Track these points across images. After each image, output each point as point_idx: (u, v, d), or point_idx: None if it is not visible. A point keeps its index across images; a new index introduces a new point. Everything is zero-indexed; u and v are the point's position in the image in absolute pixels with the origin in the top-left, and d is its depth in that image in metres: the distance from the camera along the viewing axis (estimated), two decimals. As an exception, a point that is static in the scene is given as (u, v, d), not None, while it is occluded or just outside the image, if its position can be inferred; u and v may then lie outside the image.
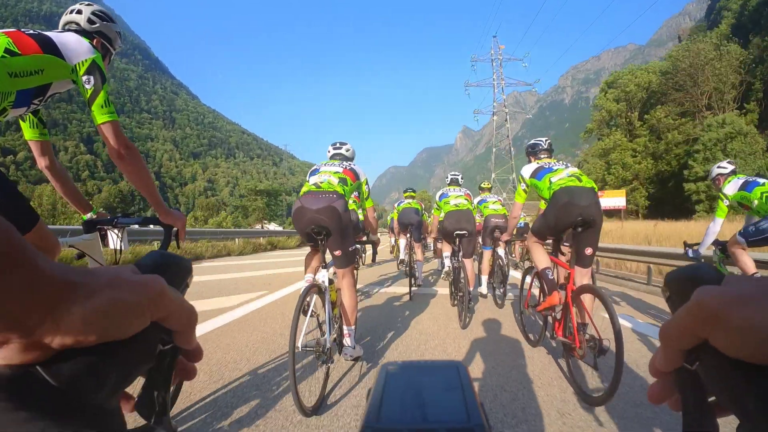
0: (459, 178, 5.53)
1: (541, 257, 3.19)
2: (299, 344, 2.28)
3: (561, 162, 3.18)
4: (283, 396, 2.40)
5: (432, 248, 11.46)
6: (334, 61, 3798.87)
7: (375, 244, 3.69)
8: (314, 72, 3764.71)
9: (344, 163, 3.10)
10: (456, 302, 4.55)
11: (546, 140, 3.47)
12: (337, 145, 3.31)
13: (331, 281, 2.72)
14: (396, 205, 7.28)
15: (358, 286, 6.25)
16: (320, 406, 2.33)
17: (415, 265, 5.97)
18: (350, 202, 6.10)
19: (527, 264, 9.26)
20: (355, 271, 3.15)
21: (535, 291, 3.40)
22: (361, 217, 6.17)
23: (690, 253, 4.13)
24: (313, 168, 3.09)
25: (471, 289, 4.34)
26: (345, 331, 2.78)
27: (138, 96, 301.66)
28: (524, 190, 3.35)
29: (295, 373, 2.11)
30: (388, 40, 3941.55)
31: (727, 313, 0.24)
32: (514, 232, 5.08)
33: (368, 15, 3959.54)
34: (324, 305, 2.57)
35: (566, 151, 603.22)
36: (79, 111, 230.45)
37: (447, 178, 5.64)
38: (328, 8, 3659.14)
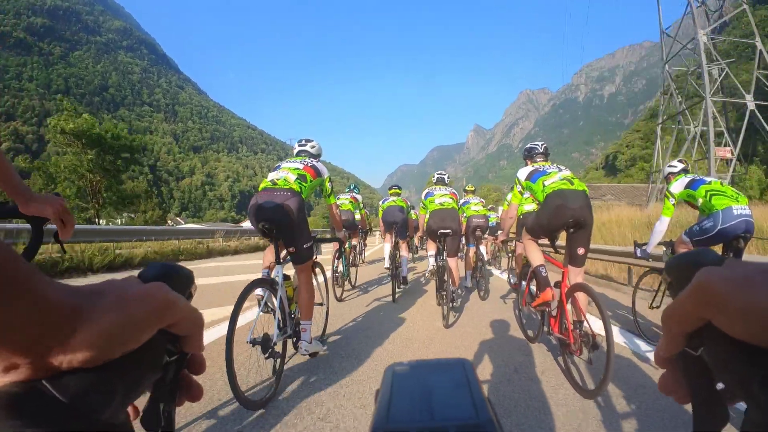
0: (445, 177, 5.48)
1: (535, 255, 3.29)
2: (248, 338, 2.35)
3: (555, 165, 3.30)
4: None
5: (417, 248, 11.29)
6: (346, 59, 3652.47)
7: (342, 242, 3.73)
8: (325, 69, 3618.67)
9: (307, 160, 3.12)
10: (441, 302, 4.59)
11: (542, 144, 3.60)
12: (303, 141, 3.34)
13: (286, 277, 2.74)
14: (381, 203, 6.99)
15: (349, 286, 6.37)
16: (269, 401, 2.30)
17: (401, 264, 5.89)
18: (346, 202, 6.59)
19: (504, 262, 10.00)
20: (326, 267, 3.28)
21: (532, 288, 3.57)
22: (357, 216, 6.85)
23: (639, 252, 4.03)
24: (276, 164, 3.10)
25: (455, 288, 4.39)
26: (302, 326, 2.79)
27: (140, 89, 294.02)
28: (520, 192, 3.50)
29: (233, 365, 2.09)
30: (400, 39, 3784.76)
31: (729, 294, 0.24)
32: (487, 232, 6.30)
33: (380, 14, 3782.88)
34: (276, 300, 2.60)
35: (580, 149, 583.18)
36: (76, 102, 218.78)
37: (433, 177, 5.60)
38: (339, 7, 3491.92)
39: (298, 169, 2.94)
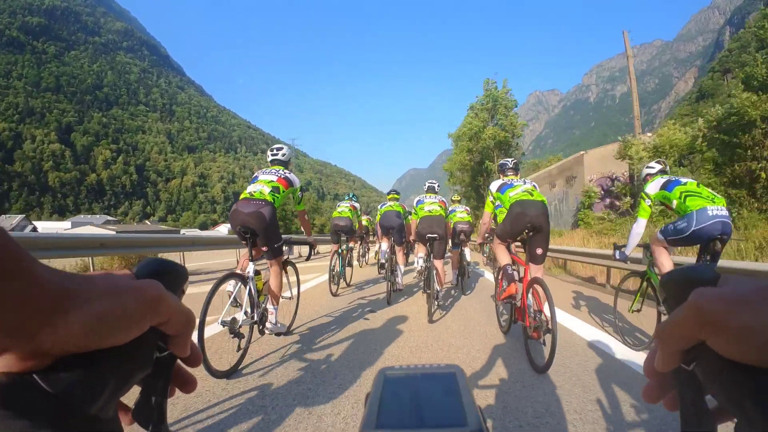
0: (435, 186, 5.94)
1: (503, 256, 3.70)
2: (219, 320, 2.76)
3: (521, 179, 3.81)
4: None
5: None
6: (353, 62, 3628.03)
7: (312, 245, 4.06)
8: (333, 72, 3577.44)
9: (280, 171, 3.52)
10: (427, 299, 4.91)
11: (512, 161, 4.07)
12: (274, 150, 3.73)
13: (257, 272, 3.17)
14: (379, 207, 7.21)
15: (344, 284, 6.97)
16: (233, 373, 2.69)
17: (396, 269, 5.99)
18: (345, 209, 7.05)
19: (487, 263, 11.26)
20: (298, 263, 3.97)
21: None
22: (358, 224, 7.40)
23: (617, 255, 4.02)
24: (254, 176, 3.54)
25: (440, 288, 4.79)
26: (270, 309, 3.25)
27: (137, 89, 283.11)
28: (492, 201, 3.96)
29: (203, 339, 2.59)
30: (407, 42, 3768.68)
31: (724, 316, 0.23)
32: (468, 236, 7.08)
33: (388, 17, 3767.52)
34: (246, 291, 3.04)
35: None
36: (65, 101, 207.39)
37: (425, 185, 6.01)
38: (347, 11, 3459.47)
39: (272, 181, 3.36)
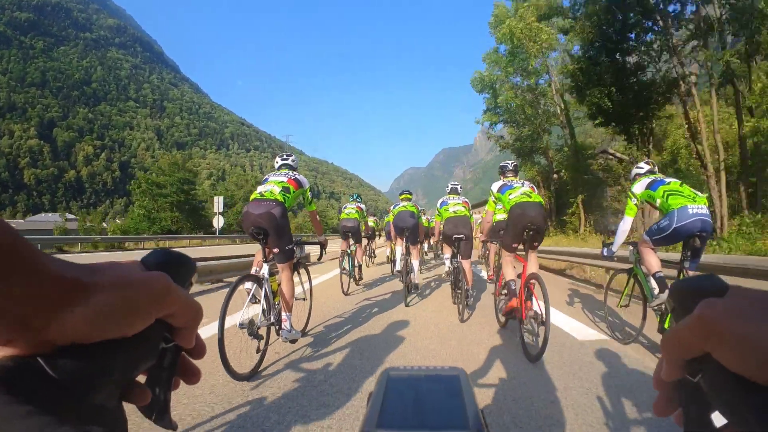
0: (458, 187, 6.03)
1: (509, 270, 3.95)
2: (237, 322, 2.79)
3: (520, 181, 3.99)
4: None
5: (434, 251, 13.18)
6: (350, 62, 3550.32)
7: (323, 245, 4.04)
8: (331, 69, 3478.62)
9: (290, 173, 3.61)
10: (456, 300, 5.10)
11: (512, 163, 4.32)
12: (284, 156, 3.85)
13: (272, 274, 3.22)
14: (392, 208, 7.39)
15: (354, 284, 7.27)
16: (253, 375, 2.72)
17: (411, 271, 5.94)
18: (352, 211, 7.29)
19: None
20: (306, 266, 4.03)
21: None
22: (368, 225, 8.04)
23: (605, 252, 4.08)
24: (264, 178, 3.64)
25: (469, 287, 4.82)
26: (283, 317, 3.23)
27: (127, 84, 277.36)
28: (494, 202, 4.19)
29: (224, 344, 2.54)
30: (403, 40, 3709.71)
31: (728, 328, 0.23)
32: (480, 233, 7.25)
33: (383, 15, 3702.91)
34: (261, 292, 3.07)
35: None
36: (50, 96, 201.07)
37: (447, 187, 6.18)
38: (341, 10, 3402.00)
39: (282, 182, 3.43)
